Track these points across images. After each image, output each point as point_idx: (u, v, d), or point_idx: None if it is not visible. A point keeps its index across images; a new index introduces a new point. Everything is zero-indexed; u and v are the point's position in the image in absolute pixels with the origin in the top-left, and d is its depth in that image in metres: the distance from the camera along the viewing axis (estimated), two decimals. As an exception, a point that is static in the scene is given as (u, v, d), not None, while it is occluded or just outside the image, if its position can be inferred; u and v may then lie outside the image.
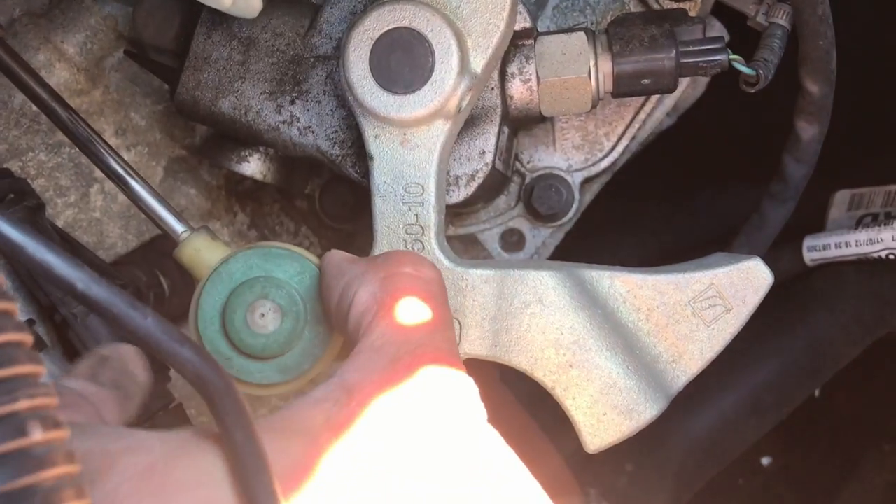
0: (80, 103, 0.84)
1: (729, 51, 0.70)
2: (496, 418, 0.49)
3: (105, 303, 0.42)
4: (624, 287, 0.64)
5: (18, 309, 0.75)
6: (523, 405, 0.92)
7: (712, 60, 0.69)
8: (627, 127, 0.81)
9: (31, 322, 0.74)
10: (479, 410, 0.49)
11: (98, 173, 0.84)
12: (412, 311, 0.51)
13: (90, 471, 0.38)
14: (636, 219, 1.16)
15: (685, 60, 0.69)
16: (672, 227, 1.15)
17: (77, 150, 0.69)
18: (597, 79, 0.69)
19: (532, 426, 0.90)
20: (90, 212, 0.86)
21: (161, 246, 0.87)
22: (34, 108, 0.71)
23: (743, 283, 0.63)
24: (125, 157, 0.76)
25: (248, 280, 0.60)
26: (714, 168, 1.14)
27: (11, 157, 0.83)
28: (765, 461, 1.24)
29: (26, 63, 0.67)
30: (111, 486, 0.38)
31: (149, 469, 0.39)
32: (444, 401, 0.48)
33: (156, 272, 0.84)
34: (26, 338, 0.37)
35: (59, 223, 0.84)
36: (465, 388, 0.49)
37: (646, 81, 0.69)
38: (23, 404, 0.34)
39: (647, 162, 0.88)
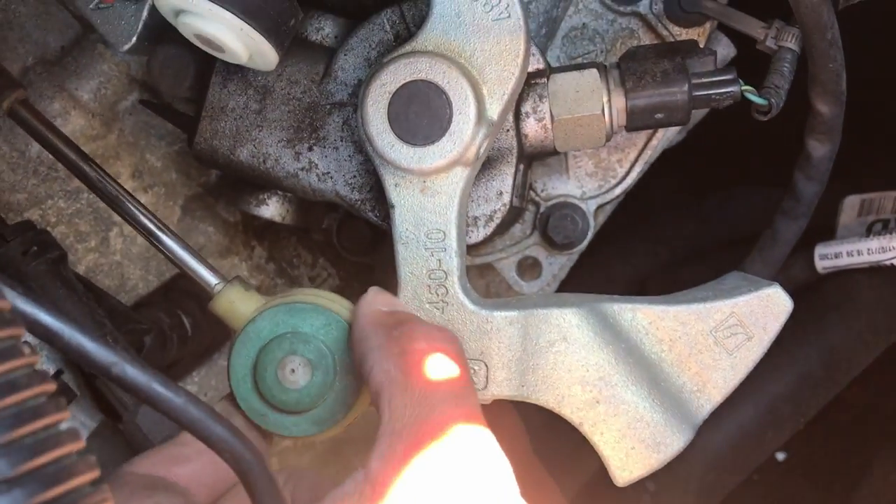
0: (95, 148, 0.85)
1: (741, 81, 0.70)
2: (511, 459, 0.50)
3: (141, 386, 0.44)
4: (646, 319, 0.65)
5: (45, 357, 0.76)
6: (540, 430, 0.93)
7: (725, 93, 0.69)
8: (640, 153, 0.81)
9: (59, 372, 0.76)
10: (511, 488, 0.49)
11: (117, 216, 0.85)
12: (427, 388, 0.52)
13: None
14: (646, 226, 1.16)
15: (698, 93, 0.69)
16: (682, 233, 1.15)
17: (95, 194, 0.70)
18: (610, 115, 0.69)
19: (547, 480, 0.91)
20: (110, 255, 0.87)
21: (182, 285, 0.88)
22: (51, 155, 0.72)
23: (763, 310, 0.64)
24: (142, 198, 0.77)
25: (277, 337, 0.61)
26: (721, 173, 1.14)
27: (31, 205, 0.84)
28: (780, 456, 1.24)
29: (51, 123, 0.67)
30: None
31: None
32: (471, 483, 0.48)
33: (178, 312, 0.85)
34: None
35: (81, 269, 0.85)
36: (495, 467, 0.49)
37: (659, 115, 0.69)
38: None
39: (655, 170, 0.88)
